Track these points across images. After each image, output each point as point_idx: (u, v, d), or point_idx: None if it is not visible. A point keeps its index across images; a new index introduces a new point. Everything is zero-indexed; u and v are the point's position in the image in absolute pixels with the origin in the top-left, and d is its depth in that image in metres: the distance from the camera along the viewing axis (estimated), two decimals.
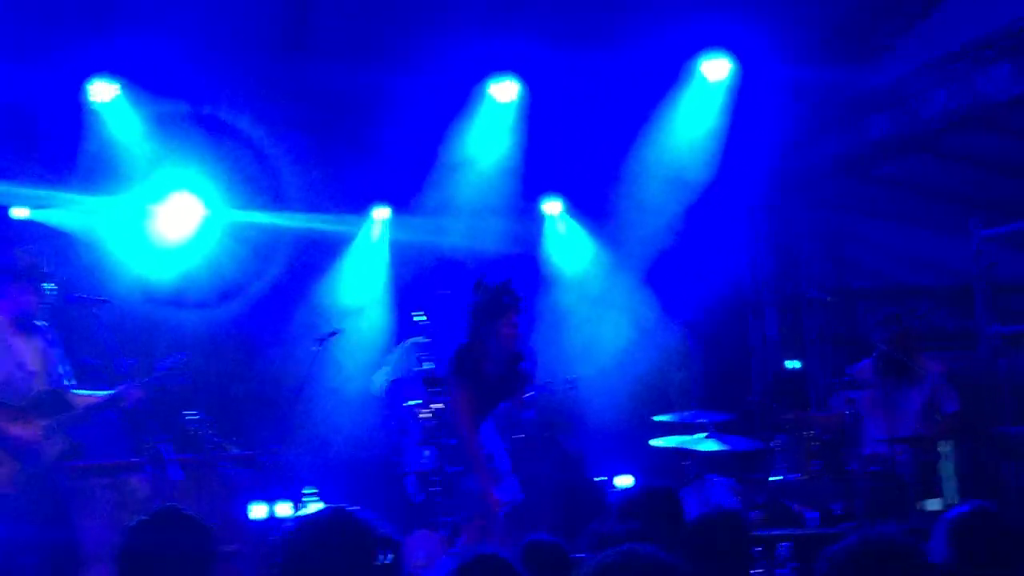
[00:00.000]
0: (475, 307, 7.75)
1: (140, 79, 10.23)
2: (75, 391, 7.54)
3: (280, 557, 3.80)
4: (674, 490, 5.02)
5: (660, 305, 11.47)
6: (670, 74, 10.90)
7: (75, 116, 10.38)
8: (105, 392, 7.51)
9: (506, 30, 10.10)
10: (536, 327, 11.17)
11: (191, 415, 8.15)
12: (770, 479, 9.50)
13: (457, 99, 10.93)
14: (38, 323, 7.46)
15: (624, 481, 11.17)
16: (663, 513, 4.45)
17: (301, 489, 9.73)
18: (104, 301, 7.51)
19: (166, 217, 11.08)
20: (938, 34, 10.26)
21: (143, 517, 4.48)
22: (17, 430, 7.06)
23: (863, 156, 11.49)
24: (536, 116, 11.05)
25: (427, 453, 7.62)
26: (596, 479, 10.93)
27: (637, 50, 10.36)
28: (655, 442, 9.65)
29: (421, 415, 7.84)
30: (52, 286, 7.35)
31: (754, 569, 5.40)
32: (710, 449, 9.38)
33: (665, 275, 11.60)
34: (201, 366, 9.91)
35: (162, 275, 11.07)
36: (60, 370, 7.49)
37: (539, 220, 12.08)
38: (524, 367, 7.83)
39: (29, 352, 7.32)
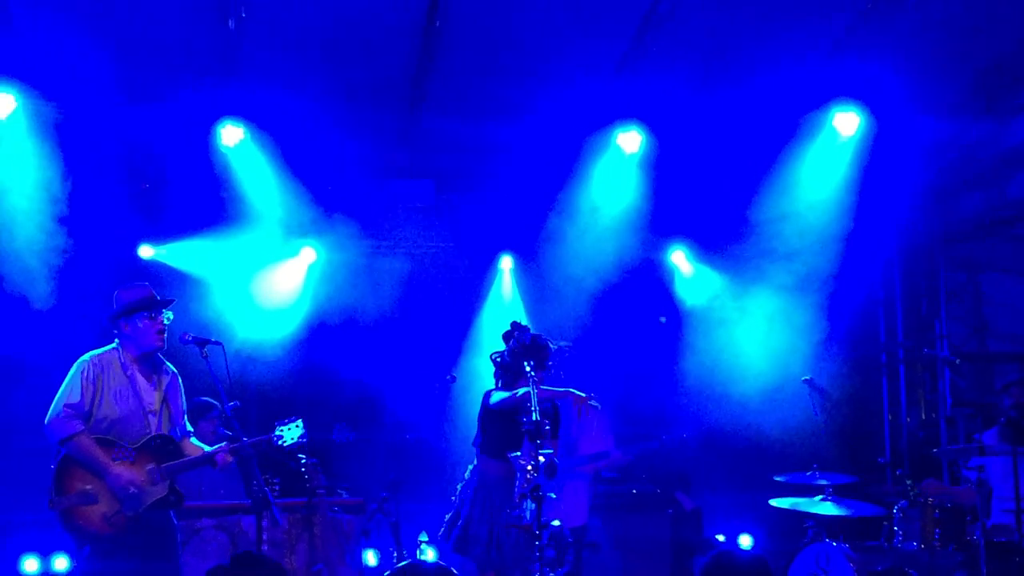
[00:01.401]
0: (504, 355, 8.25)
1: (267, 125, 10.37)
2: (191, 440, 7.60)
3: None
4: (763, 559, 4.82)
5: (788, 360, 11.20)
6: (799, 124, 10.70)
7: (203, 158, 10.56)
8: (207, 448, 7.56)
9: (633, 77, 10.01)
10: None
11: (302, 458, 8.15)
12: (892, 546, 9.17)
13: (579, 148, 10.87)
14: (167, 364, 7.55)
15: (745, 541, 10.95)
16: None
17: (415, 536, 9.73)
18: (216, 343, 7.55)
19: (289, 270, 11.25)
20: None
21: (217, 566, 4.49)
22: (121, 470, 7.12)
23: (1004, 214, 11.18)
24: (662, 164, 10.93)
25: (531, 506, 7.48)
26: (714, 537, 10.70)
27: (766, 97, 10.21)
28: (774, 502, 9.45)
29: (526, 468, 7.71)
30: (170, 315, 7.41)
31: None
32: (827, 512, 9.13)
33: (793, 329, 11.33)
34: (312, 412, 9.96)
35: (276, 320, 11.21)
36: (181, 416, 7.57)
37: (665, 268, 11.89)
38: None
39: (153, 391, 7.39)
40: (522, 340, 8.22)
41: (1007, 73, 10.18)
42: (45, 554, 10.14)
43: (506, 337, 8.34)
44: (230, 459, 7.39)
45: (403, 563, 3.93)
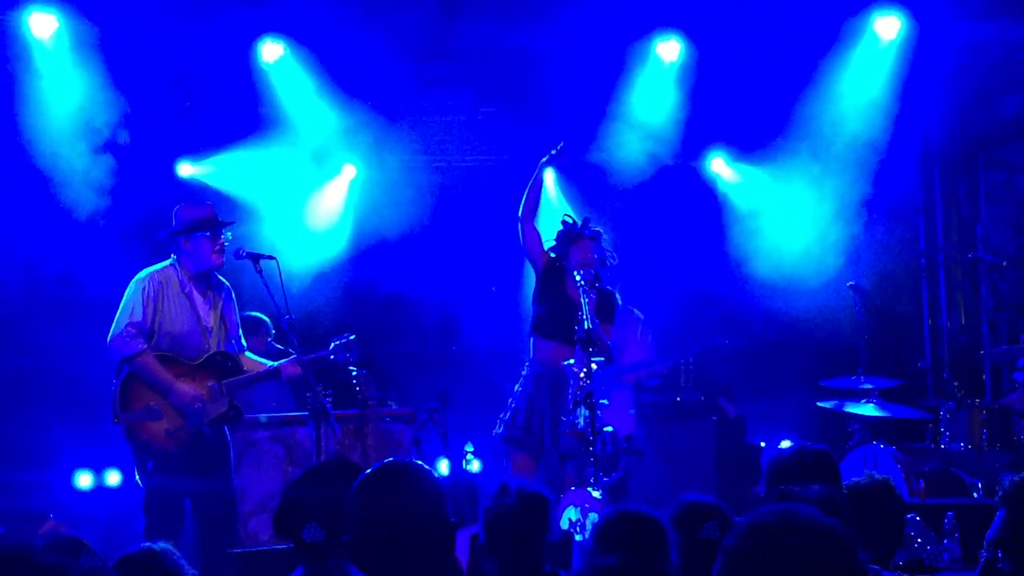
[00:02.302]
0: (558, 235, 8.39)
1: (305, 39, 10.35)
2: (248, 355, 7.70)
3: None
4: (829, 452, 4.88)
5: (829, 265, 11.22)
6: (840, 28, 10.62)
7: (244, 76, 10.55)
8: (269, 363, 7.65)
9: None
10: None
11: (353, 370, 8.24)
12: (939, 447, 9.25)
13: (619, 58, 10.81)
14: (221, 280, 7.62)
15: (784, 446, 11.02)
16: (818, 476, 4.32)
17: (462, 447, 9.83)
18: (271, 257, 7.60)
19: (331, 188, 11.29)
20: None
21: (310, 467, 4.55)
22: (185, 387, 7.23)
23: None
24: (701, 74, 10.88)
25: (584, 412, 7.57)
26: (757, 444, 10.78)
27: (807, 3, 10.14)
28: (822, 403, 9.53)
29: (579, 375, 7.79)
30: (229, 236, 7.47)
31: (913, 537, 5.26)
32: (875, 415, 9.20)
33: (835, 234, 11.34)
34: (360, 322, 10.05)
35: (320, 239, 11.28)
36: (237, 332, 7.66)
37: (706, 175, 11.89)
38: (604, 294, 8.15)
39: (209, 309, 7.46)
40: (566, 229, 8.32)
41: None
42: (98, 470, 10.28)
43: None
44: (297, 371, 7.47)
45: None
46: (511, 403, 8.32)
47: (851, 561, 2.64)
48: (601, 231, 8.43)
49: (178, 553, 4.12)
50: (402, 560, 3.60)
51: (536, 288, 8.46)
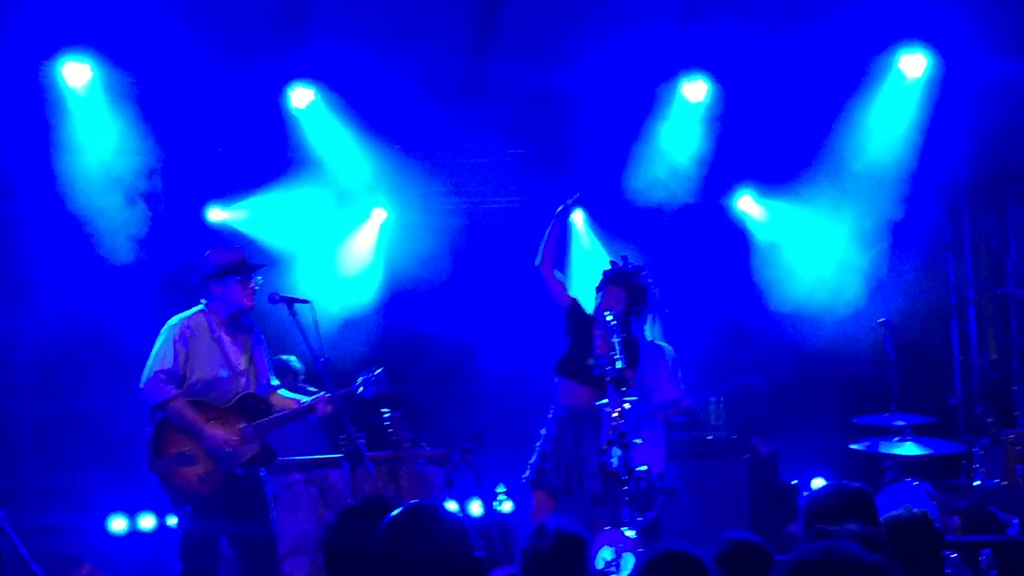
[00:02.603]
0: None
1: (336, 85, 10.45)
2: (280, 393, 7.74)
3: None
4: (867, 490, 4.90)
5: (859, 304, 11.22)
6: (866, 67, 10.68)
7: (275, 121, 10.65)
8: (302, 399, 7.70)
9: (697, 24, 10.04)
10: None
11: (386, 412, 8.28)
12: (973, 483, 9.22)
13: (648, 98, 10.89)
14: (251, 322, 7.67)
15: (818, 484, 10.98)
16: (856, 514, 4.34)
17: (494, 488, 9.85)
18: (305, 301, 7.64)
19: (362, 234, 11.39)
20: None
21: (350, 506, 4.59)
22: (216, 430, 7.27)
23: None
24: (728, 113, 10.93)
25: (618, 452, 7.59)
26: (790, 482, 10.75)
27: (831, 42, 10.19)
28: (854, 445, 9.51)
29: (612, 415, 7.82)
30: (260, 279, 7.53)
31: (950, 575, 5.24)
32: (908, 452, 9.18)
33: (864, 272, 11.35)
34: (392, 364, 10.09)
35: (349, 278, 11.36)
36: (267, 373, 7.70)
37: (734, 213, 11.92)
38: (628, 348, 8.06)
39: (240, 352, 7.51)
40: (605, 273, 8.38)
41: None
42: (132, 513, 10.33)
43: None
44: (330, 408, 7.49)
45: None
46: (538, 446, 8.35)
47: None
48: (640, 280, 8.47)
49: None
50: None
51: (563, 330, 8.51)
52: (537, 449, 8.35)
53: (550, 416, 8.37)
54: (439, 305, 11.37)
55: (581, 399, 8.16)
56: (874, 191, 11.12)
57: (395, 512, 3.83)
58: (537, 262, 8.48)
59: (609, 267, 8.49)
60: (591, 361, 8.06)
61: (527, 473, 8.36)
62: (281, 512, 8.49)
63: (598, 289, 8.39)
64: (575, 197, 8.44)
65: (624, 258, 8.51)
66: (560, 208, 8.47)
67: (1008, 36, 10.24)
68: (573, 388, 8.27)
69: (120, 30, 9.49)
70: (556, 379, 8.43)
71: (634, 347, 8.34)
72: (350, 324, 11.06)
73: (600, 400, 7.82)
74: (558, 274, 8.53)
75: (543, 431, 8.37)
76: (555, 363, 8.46)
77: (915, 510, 4.90)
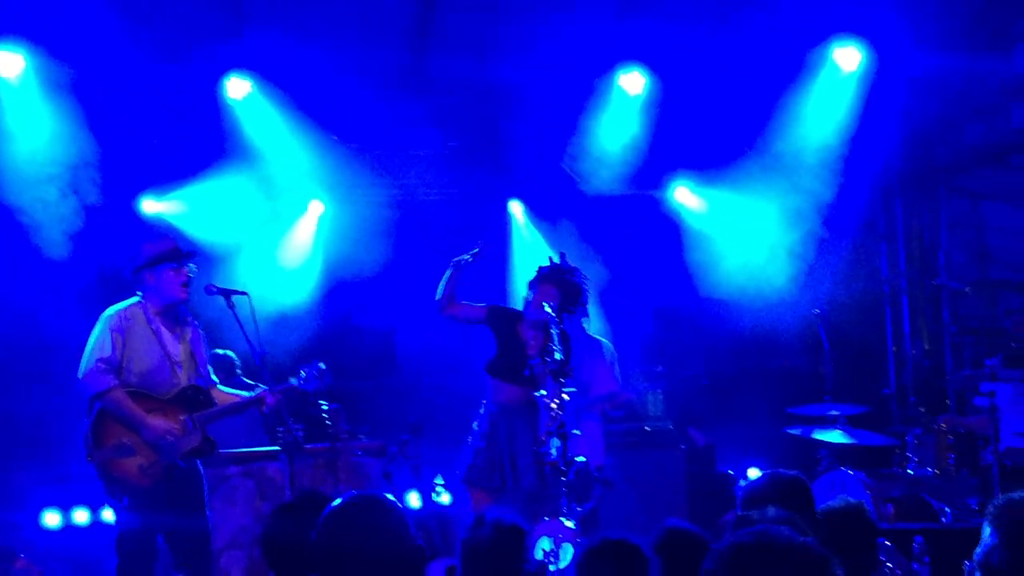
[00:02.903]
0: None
1: (273, 76, 10.38)
2: (219, 388, 7.70)
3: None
4: (802, 478, 4.95)
5: (793, 293, 11.34)
6: (802, 60, 10.77)
7: (212, 113, 10.57)
8: (245, 394, 7.66)
9: (634, 17, 10.08)
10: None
11: (323, 404, 8.25)
12: (906, 472, 9.35)
13: (584, 90, 10.91)
14: (188, 315, 7.61)
15: (753, 474, 11.08)
16: (792, 502, 4.38)
17: (432, 479, 9.84)
18: (243, 293, 7.60)
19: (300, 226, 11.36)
20: None
21: (285, 501, 4.58)
22: (156, 422, 7.21)
23: (1005, 144, 11.28)
24: (665, 105, 10.98)
25: (557, 443, 7.62)
26: (726, 472, 10.85)
27: (768, 35, 10.28)
28: (789, 430, 9.62)
29: (551, 406, 7.85)
30: (194, 268, 7.47)
31: (884, 562, 5.32)
32: (842, 442, 9.29)
33: (798, 263, 11.46)
34: (331, 357, 10.06)
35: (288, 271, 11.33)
36: (206, 366, 7.65)
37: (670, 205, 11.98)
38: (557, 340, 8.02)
39: (177, 343, 7.44)
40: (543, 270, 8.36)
41: (1009, 3, 10.25)
42: (66, 508, 10.23)
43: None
44: (279, 398, 7.44)
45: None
46: (470, 442, 8.35)
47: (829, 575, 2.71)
48: (574, 278, 8.41)
49: None
50: None
51: (488, 334, 8.49)
52: (470, 446, 8.34)
53: (482, 413, 8.37)
54: (377, 298, 11.34)
55: (513, 397, 8.19)
56: (808, 182, 11.24)
57: (336, 503, 3.82)
58: (440, 307, 8.43)
59: (546, 264, 8.45)
60: (529, 363, 8.05)
61: (462, 471, 8.34)
62: (218, 505, 8.45)
63: (531, 286, 8.35)
64: (474, 251, 8.34)
65: (562, 255, 8.50)
66: (457, 259, 8.36)
67: (940, 31, 10.37)
68: (505, 388, 8.27)
69: (54, 20, 9.36)
70: (487, 379, 8.41)
71: (567, 342, 8.34)
72: (289, 317, 10.99)
73: (533, 396, 7.88)
74: (462, 302, 8.45)
75: (475, 426, 8.36)
76: (485, 364, 8.44)
77: (851, 500, 4.96)
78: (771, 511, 4.20)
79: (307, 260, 11.56)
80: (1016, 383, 8.91)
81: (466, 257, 8.29)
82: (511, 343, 8.31)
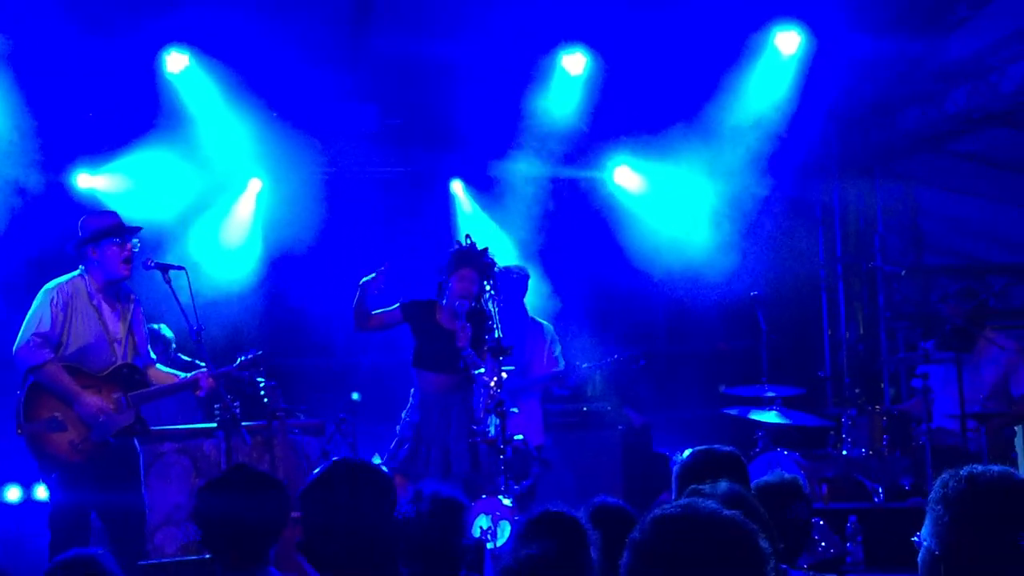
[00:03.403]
0: (448, 258, 8.35)
1: (212, 50, 10.26)
2: (158, 367, 7.64)
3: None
4: (737, 454, 5.00)
5: (730, 275, 11.41)
6: (741, 43, 10.81)
7: (150, 87, 10.44)
8: (182, 375, 7.61)
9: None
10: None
11: (260, 381, 8.21)
12: (841, 453, 9.46)
13: (526, 69, 10.90)
14: (130, 291, 7.55)
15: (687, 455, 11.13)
16: (727, 476, 4.42)
17: (369, 457, 9.81)
18: (180, 268, 7.57)
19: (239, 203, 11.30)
20: (1017, 6, 10.12)
21: (216, 477, 4.56)
22: (91, 398, 7.15)
23: (941, 130, 11.39)
24: (607, 86, 10.99)
25: (495, 421, 7.65)
26: (663, 453, 10.91)
27: (708, 18, 10.30)
28: (726, 410, 9.70)
29: (489, 385, 7.87)
30: (136, 243, 7.40)
31: (818, 541, 5.38)
32: (778, 422, 9.39)
33: (735, 246, 11.53)
34: (268, 334, 10.04)
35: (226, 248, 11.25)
36: (145, 344, 7.59)
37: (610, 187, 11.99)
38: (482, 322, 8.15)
39: (118, 320, 7.38)
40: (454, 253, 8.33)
41: None
42: (26, 484, 10.10)
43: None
44: (213, 384, 7.43)
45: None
46: (398, 431, 8.34)
47: (752, 549, 2.72)
48: (489, 259, 8.41)
49: (112, 559, 4.10)
50: (363, 558, 3.64)
51: (409, 328, 8.47)
52: (397, 434, 8.32)
53: (411, 403, 8.34)
54: (316, 277, 11.27)
55: (442, 386, 8.19)
56: (747, 166, 11.28)
57: (320, 471, 3.85)
58: (357, 328, 8.42)
59: (454, 249, 8.41)
60: (462, 355, 8.02)
61: (385, 458, 8.31)
62: (153, 482, 8.41)
63: (446, 272, 8.30)
64: (381, 269, 8.30)
65: (468, 237, 8.47)
66: (364, 279, 8.29)
67: (878, 15, 10.44)
68: (432, 377, 8.26)
69: None
70: (413, 371, 8.40)
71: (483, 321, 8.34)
72: (227, 294, 10.90)
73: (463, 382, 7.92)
74: (373, 313, 8.39)
75: (404, 416, 8.34)
76: (411, 358, 8.42)
77: (786, 475, 5.01)
78: (723, 485, 4.23)
79: (247, 238, 11.47)
80: (948, 365, 9.02)
81: (370, 276, 8.24)
82: (432, 333, 8.28)
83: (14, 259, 9.94)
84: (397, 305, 8.41)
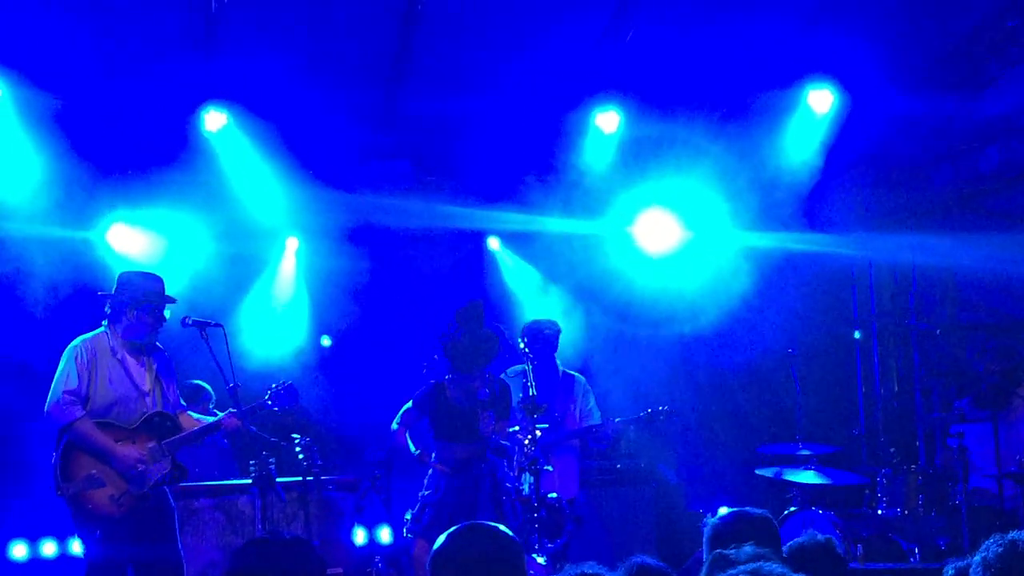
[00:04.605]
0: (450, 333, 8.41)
1: (251, 107, 10.37)
2: (188, 413, 7.71)
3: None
4: (769, 517, 4.97)
5: (763, 334, 11.39)
6: (775, 101, 10.86)
7: (186, 144, 10.54)
8: (208, 418, 7.67)
9: (613, 51, 10.18)
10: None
11: (296, 437, 8.25)
12: (876, 512, 9.39)
13: (558, 126, 10.98)
14: (155, 344, 7.63)
15: (723, 512, 11.07)
16: (759, 541, 4.39)
17: (403, 515, 9.81)
18: (217, 325, 7.67)
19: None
20: None
21: (252, 538, 4.56)
22: (125, 451, 7.21)
23: (975, 188, 11.37)
24: (640, 139, 11.03)
25: (529, 479, 7.66)
26: (696, 510, 10.86)
27: (742, 75, 10.37)
28: (760, 470, 9.65)
29: (524, 442, 7.89)
30: (168, 314, 7.51)
31: None
32: (812, 481, 9.33)
33: (770, 303, 11.52)
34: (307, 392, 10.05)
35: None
36: (174, 392, 7.66)
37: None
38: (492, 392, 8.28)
39: (144, 373, 7.47)
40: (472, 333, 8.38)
41: (976, 46, 10.35)
42: (33, 540, 10.15)
43: (462, 320, 8.46)
44: (237, 423, 7.48)
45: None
46: (420, 496, 8.38)
47: None
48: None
49: None
50: None
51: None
52: (419, 499, 8.36)
53: (431, 474, 8.38)
54: (351, 334, 11.36)
55: (463, 454, 8.23)
56: (782, 223, 11.28)
57: (450, 534, 3.93)
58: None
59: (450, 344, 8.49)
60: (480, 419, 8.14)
61: (408, 522, 8.35)
62: (188, 539, 8.42)
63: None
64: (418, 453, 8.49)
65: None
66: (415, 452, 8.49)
67: (911, 73, 10.47)
68: (453, 447, 8.32)
69: (32, 47, 9.35)
70: (432, 443, 8.47)
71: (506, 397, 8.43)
72: (269, 350, 11.02)
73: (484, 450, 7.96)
74: (405, 430, 8.56)
75: (426, 481, 8.39)
76: (431, 428, 8.50)
77: (820, 536, 4.98)
78: (748, 549, 4.21)
79: (290, 298, 11.58)
80: (984, 424, 8.96)
81: (417, 453, 8.44)
82: (447, 411, 8.37)
83: (52, 307, 10.07)
84: (411, 406, 8.53)
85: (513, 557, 3.94)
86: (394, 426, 8.49)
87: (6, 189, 10.05)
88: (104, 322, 7.49)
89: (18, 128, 9.89)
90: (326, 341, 11.36)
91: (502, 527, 3.94)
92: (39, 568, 9.91)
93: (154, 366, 7.55)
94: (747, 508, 4.97)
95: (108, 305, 7.49)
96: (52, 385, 7.29)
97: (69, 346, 7.40)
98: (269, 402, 7.72)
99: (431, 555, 3.84)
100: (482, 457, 8.17)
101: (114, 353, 7.39)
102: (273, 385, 7.84)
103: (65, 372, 7.29)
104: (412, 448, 8.41)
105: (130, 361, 7.43)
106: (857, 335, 12.38)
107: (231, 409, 7.63)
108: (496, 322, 8.66)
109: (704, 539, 5.00)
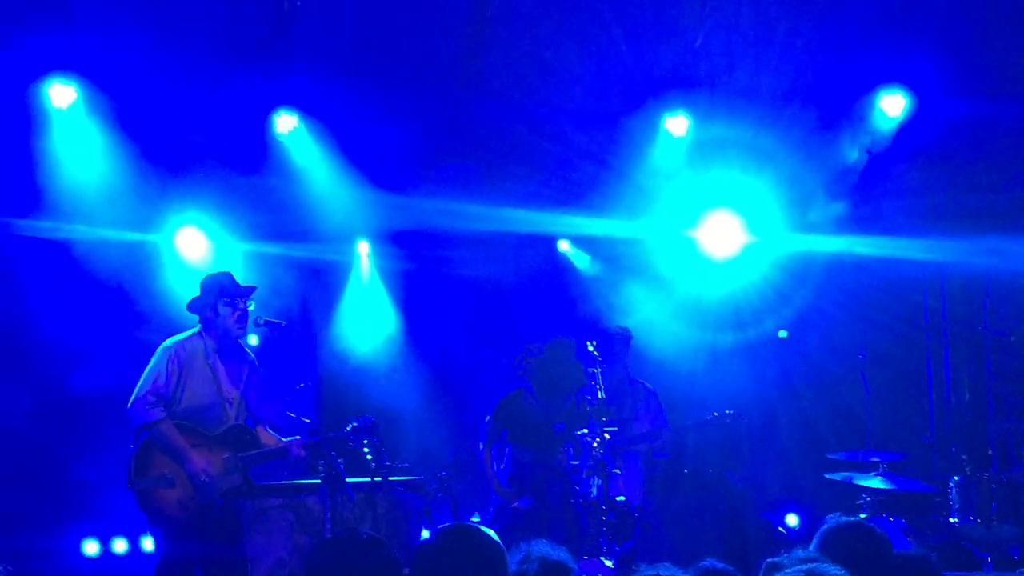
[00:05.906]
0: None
1: (319, 112, 10.44)
2: (268, 430, 7.75)
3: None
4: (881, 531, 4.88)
5: (837, 339, 11.30)
6: (848, 105, 10.79)
7: (258, 147, 10.63)
8: (282, 439, 7.71)
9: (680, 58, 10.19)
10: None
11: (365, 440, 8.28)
12: (948, 521, 9.28)
13: (622, 130, 10.97)
14: (247, 352, 7.70)
15: (791, 520, 11.01)
16: (868, 551, 4.34)
17: (471, 516, 9.84)
18: (288, 325, 7.74)
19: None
20: None
21: (328, 537, 4.60)
22: (200, 458, 7.26)
23: None
24: (707, 145, 10.99)
25: (597, 482, 7.66)
26: (764, 516, 10.80)
27: (814, 81, 10.32)
28: (830, 475, 9.58)
29: (592, 445, 7.90)
30: (252, 305, 7.55)
31: None
32: (883, 488, 9.24)
33: (839, 308, 11.42)
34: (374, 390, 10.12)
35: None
36: (260, 407, 7.73)
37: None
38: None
39: (232, 381, 7.54)
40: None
41: None
42: (105, 538, 10.27)
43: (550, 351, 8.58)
44: (303, 454, 7.54)
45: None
46: (494, 499, 8.43)
47: None
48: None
49: None
50: None
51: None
52: (493, 501, 8.44)
53: (506, 472, 8.45)
54: (421, 337, 11.42)
55: (535, 460, 8.26)
56: (850, 225, 11.20)
57: (432, 536, 4.02)
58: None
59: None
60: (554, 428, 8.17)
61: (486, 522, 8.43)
62: (257, 538, 8.46)
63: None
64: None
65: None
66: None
67: (986, 78, 10.37)
68: (526, 453, 8.38)
69: (104, 53, 9.50)
70: (507, 447, 8.52)
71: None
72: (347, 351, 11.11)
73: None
74: (491, 456, 8.74)
75: (497, 485, 8.47)
76: (503, 436, 8.56)
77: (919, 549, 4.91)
78: (799, 552, 4.19)
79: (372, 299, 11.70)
80: None
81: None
82: (524, 420, 8.47)
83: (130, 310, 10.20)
84: (490, 422, 8.70)
85: (495, 558, 4.02)
86: (481, 446, 8.60)
87: (77, 191, 10.18)
88: (198, 324, 7.55)
89: (93, 130, 10.01)
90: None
91: (488, 530, 3.96)
92: (111, 563, 10.08)
93: (245, 375, 7.61)
94: (862, 520, 4.87)
95: (197, 307, 7.55)
96: (139, 381, 7.34)
97: (162, 345, 7.46)
98: (351, 436, 7.74)
99: (415, 551, 4.02)
100: (552, 468, 8.21)
101: (207, 357, 7.45)
102: (354, 423, 7.80)
103: (155, 371, 7.34)
104: (497, 486, 8.49)
105: (220, 368, 7.49)
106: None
107: (298, 437, 7.69)
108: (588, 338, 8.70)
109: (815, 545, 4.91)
